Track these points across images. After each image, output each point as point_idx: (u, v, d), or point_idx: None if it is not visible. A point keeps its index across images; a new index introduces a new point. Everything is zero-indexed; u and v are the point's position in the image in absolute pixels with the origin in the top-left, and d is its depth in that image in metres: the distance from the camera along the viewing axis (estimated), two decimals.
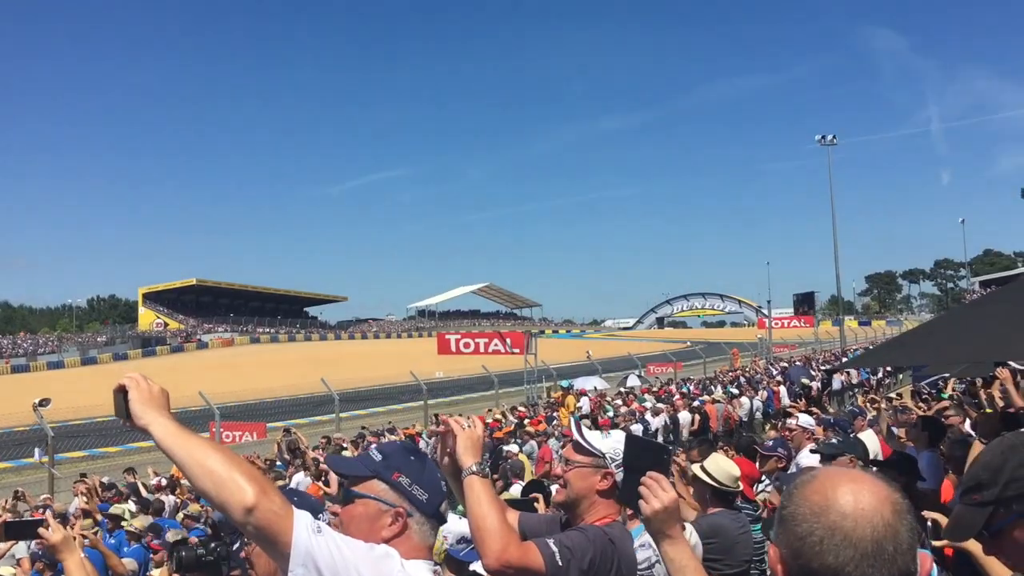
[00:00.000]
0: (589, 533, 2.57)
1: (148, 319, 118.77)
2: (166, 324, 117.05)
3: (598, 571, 2.47)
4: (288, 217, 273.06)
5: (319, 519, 1.93)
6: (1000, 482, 1.65)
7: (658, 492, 2.13)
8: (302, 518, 1.73)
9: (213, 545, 3.15)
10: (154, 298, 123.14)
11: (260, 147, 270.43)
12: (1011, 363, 7.22)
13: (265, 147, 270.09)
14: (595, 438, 2.81)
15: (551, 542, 2.45)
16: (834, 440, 5.76)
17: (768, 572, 1.18)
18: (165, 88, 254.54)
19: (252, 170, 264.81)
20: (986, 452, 1.80)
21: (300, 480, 11.88)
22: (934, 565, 1.11)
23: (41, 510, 11.32)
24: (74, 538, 4.84)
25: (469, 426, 2.56)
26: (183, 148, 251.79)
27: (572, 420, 3.23)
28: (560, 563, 2.39)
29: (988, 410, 6.65)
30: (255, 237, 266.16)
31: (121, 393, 1.86)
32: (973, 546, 3.08)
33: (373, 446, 2.22)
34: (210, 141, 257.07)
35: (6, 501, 12.15)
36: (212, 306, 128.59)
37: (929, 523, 3.29)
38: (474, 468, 2.42)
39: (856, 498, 1.18)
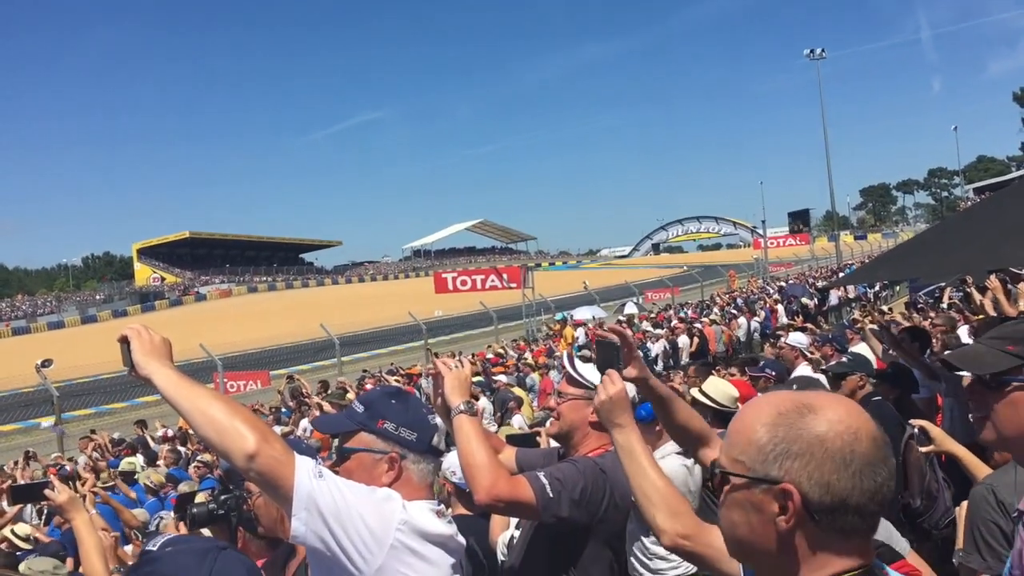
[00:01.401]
0: (580, 464, 2.60)
1: (144, 274, 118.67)
2: (163, 278, 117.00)
3: (590, 501, 2.51)
4: (277, 165, 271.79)
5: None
6: None
7: (607, 385, 2.19)
8: (304, 463, 1.75)
9: (224, 498, 3.18)
10: (149, 253, 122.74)
11: (244, 96, 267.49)
12: (1011, 269, 7.24)
13: (249, 96, 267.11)
14: (588, 370, 2.81)
15: (541, 475, 2.48)
16: (844, 359, 5.75)
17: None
18: (150, 43, 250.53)
19: (238, 120, 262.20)
20: None
21: (306, 426, 11.99)
22: None
23: (55, 468, 11.48)
24: (84, 497, 4.91)
25: (457, 366, 2.58)
26: (168, 103, 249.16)
27: (566, 353, 3.25)
28: (551, 495, 2.42)
29: (982, 316, 6.68)
30: (246, 187, 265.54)
31: (125, 344, 1.88)
32: (960, 450, 3.14)
33: (355, 398, 2.23)
34: (194, 94, 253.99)
35: (17, 463, 12.26)
36: (207, 258, 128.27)
37: (916, 430, 3.33)
38: (461, 407, 2.44)
39: (862, 419, 1.17)
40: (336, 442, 2.16)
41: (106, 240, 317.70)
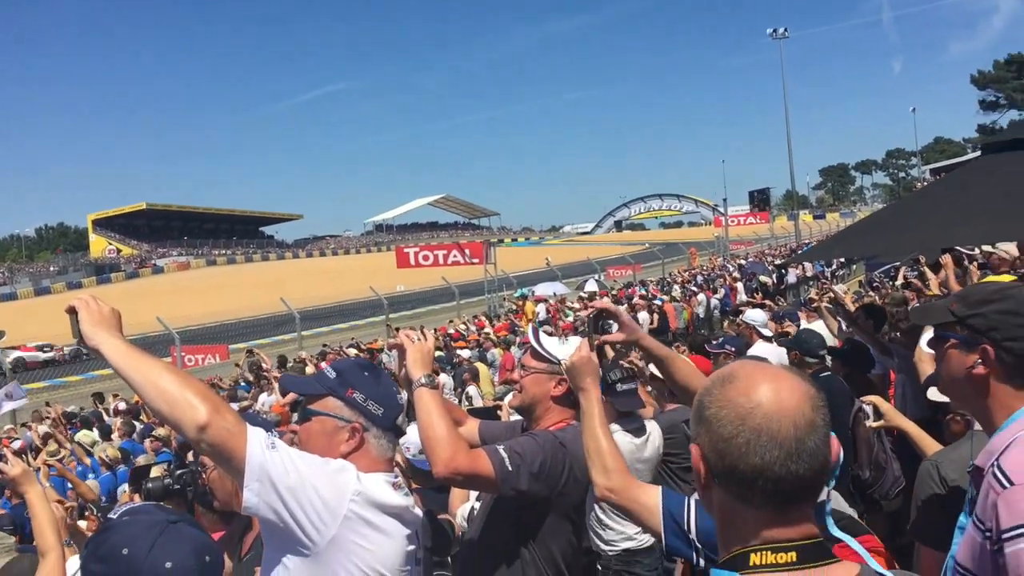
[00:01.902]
0: (540, 438, 2.62)
1: (100, 246, 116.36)
2: (119, 250, 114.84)
3: (549, 474, 2.52)
4: (238, 137, 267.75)
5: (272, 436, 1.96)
6: (979, 311, 1.81)
7: (580, 349, 2.39)
8: (256, 434, 1.75)
9: (179, 473, 3.16)
10: (105, 224, 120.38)
11: (204, 67, 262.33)
12: (959, 248, 7.38)
13: (209, 66, 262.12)
14: (552, 344, 2.83)
15: (501, 448, 2.49)
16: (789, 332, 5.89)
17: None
18: (108, 11, 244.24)
19: (198, 91, 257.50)
20: (996, 289, 1.91)
21: (265, 400, 11.91)
22: (840, 448, 1.18)
23: (7, 440, 11.30)
24: (37, 469, 4.85)
25: (419, 339, 2.59)
26: (125, 72, 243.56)
27: (530, 328, 3.26)
28: (510, 468, 2.44)
29: (933, 292, 6.81)
30: (206, 159, 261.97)
31: (73, 314, 1.86)
32: (909, 426, 3.21)
33: (328, 364, 2.23)
34: (151, 62, 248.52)
35: None
36: (165, 230, 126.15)
37: (869, 407, 3.40)
38: (423, 380, 2.45)
39: (778, 396, 1.20)
40: (301, 402, 2.16)
41: (60, 211, 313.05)
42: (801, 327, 7.47)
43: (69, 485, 7.06)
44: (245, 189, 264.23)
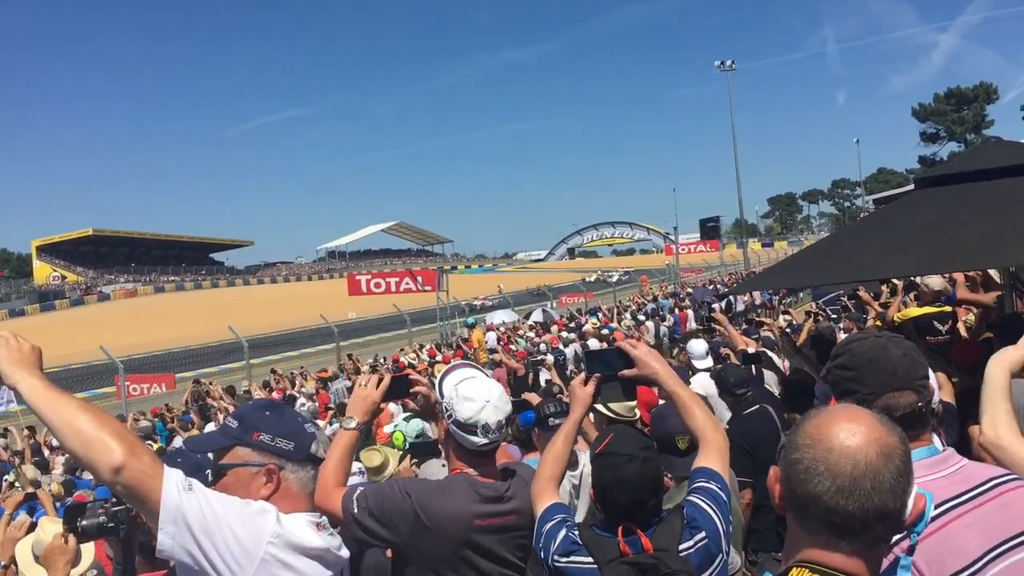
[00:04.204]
0: (394, 485, 2.66)
1: (44, 272, 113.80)
2: (64, 277, 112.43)
3: (390, 521, 2.52)
4: (187, 162, 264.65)
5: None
6: (829, 367, 2.01)
7: (576, 381, 2.71)
8: (172, 476, 1.73)
9: (115, 511, 3.08)
10: (49, 251, 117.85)
11: (154, 90, 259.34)
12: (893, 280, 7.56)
13: (159, 90, 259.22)
14: (449, 382, 2.74)
15: (358, 490, 2.57)
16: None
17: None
18: (55, 31, 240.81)
19: (147, 115, 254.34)
20: (845, 342, 2.05)
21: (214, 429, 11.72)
22: (929, 505, 1.22)
23: None
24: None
25: (366, 385, 2.78)
26: (71, 94, 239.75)
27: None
28: (355, 510, 2.51)
29: (874, 323, 6.96)
30: (154, 185, 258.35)
31: None
32: None
33: (229, 415, 2.22)
34: (99, 84, 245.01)
35: None
36: (112, 256, 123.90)
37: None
38: (349, 423, 2.71)
39: (846, 435, 1.29)
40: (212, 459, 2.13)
41: (3, 236, 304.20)
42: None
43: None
44: (195, 215, 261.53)
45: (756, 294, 26.18)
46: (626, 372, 2.57)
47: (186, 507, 1.72)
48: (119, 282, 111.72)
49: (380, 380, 2.84)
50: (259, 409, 2.12)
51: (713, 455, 2.44)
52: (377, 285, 30.25)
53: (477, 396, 2.58)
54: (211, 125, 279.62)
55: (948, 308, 5.99)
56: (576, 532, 2.31)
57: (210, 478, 2.03)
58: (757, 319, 14.19)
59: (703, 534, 2.25)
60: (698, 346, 7.12)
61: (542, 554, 2.34)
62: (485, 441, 2.58)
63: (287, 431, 2.04)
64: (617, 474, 2.33)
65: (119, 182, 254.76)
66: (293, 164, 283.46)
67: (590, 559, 2.24)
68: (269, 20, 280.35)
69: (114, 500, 3.26)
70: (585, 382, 2.64)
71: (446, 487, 2.61)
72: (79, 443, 1.69)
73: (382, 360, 20.30)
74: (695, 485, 2.37)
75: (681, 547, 2.22)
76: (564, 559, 2.27)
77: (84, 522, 3.12)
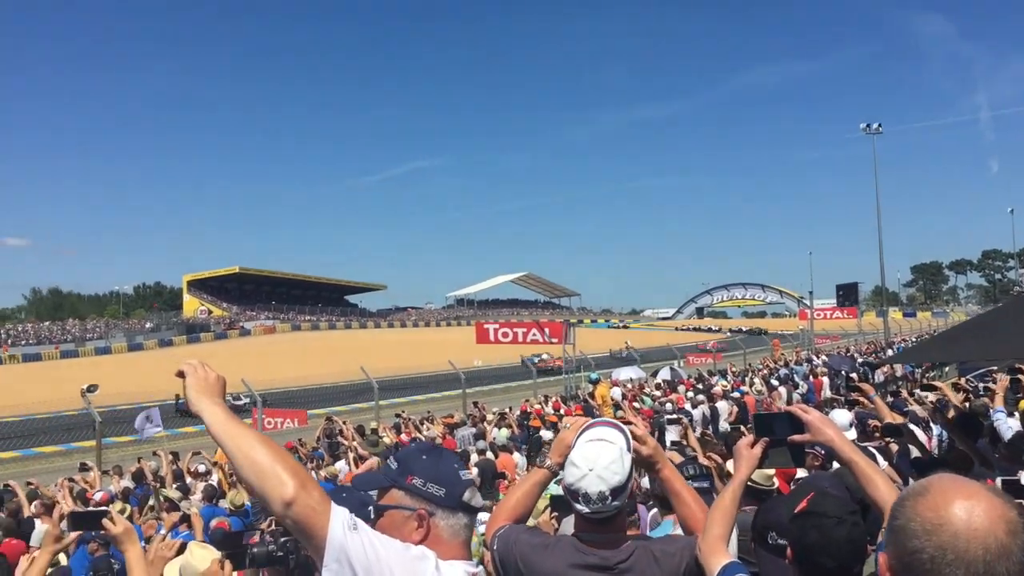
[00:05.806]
0: (514, 532, 2.71)
1: (192, 306, 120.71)
2: (210, 311, 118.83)
3: (503, 564, 2.58)
4: (328, 207, 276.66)
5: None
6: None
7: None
8: (339, 514, 1.75)
9: (284, 540, 3.19)
10: (198, 285, 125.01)
11: (298, 137, 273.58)
12: None
13: (301, 137, 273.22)
14: (579, 440, 2.72)
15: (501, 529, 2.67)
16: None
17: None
18: (211, 83, 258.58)
19: (292, 161, 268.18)
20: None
21: (342, 468, 12.02)
22: None
23: (91, 490, 11.61)
24: (138, 526, 4.96)
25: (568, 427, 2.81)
26: (227, 140, 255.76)
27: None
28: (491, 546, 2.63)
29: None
30: (296, 227, 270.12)
31: (183, 378, 1.94)
32: None
33: (392, 456, 2.24)
34: (249, 133, 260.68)
35: (64, 481, 12.44)
36: (254, 294, 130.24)
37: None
38: (550, 464, 2.79)
39: (969, 516, 1.18)
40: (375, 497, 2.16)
41: (158, 270, 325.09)
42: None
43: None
44: (333, 257, 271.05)
45: (897, 365, 24.96)
46: (796, 437, 2.46)
47: (350, 546, 1.73)
48: (259, 318, 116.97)
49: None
50: (417, 452, 2.11)
51: None
52: (504, 335, 30.46)
53: (582, 463, 2.50)
54: (355, 171, 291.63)
55: None
56: None
57: (372, 515, 2.05)
58: (905, 390, 13.50)
59: None
60: (842, 416, 6.81)
61: None
62: (587, 510, 2.48)
63: (440, 477, 2.02)
64: (827, 537, 2.26)
65: (266, 223, 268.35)
66: (427, 212, 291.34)
67: None
68: (410, 74, 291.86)
69: (282, 530, 3.35)
70: (752, 444, 2.54)
71: (551, 545, 2.56)
72: (254, 474, 1.74)
73: (508, 409, 20.40)
74: None
75: None
76: None
77: (255, 550, 3.23)
